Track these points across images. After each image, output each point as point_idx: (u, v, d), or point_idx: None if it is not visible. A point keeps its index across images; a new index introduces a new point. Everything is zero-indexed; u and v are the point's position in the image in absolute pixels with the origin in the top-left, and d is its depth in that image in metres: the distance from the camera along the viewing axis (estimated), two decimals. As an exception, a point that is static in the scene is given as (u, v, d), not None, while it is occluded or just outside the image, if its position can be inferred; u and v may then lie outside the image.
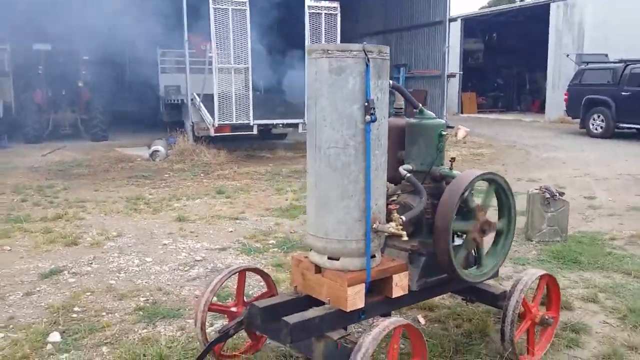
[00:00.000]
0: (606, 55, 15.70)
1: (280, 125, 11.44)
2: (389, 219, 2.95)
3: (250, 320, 3.09)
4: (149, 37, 11.08)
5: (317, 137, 2.88)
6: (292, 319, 2.81)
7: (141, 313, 3.88)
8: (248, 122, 10.55)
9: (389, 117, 3.46)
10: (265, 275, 3.55)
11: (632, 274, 4.66)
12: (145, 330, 3.66)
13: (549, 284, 3.51)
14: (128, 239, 5.62)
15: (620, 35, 16.46)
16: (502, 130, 15.98)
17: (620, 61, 14.27)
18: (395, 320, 2.83)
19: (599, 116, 14.32)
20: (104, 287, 4.33)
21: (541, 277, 3.45)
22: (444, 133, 3.38)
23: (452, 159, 3.52)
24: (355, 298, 2.89)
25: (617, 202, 7.34)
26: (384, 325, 2.72)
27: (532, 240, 5.71)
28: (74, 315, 3.84)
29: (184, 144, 10.95)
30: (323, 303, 2.99)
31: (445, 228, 3.04)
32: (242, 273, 3.43)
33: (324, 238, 2.93)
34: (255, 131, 10.88)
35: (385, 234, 2.93)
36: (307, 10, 10.34)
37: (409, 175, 3.28)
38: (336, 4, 10.64)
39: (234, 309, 3.34)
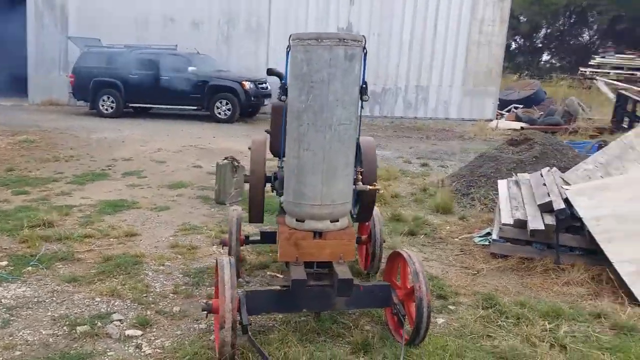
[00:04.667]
0: (99, 40, 16.65)
1: None
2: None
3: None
4: None
5: (328, 116, 3.24)
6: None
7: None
8: None
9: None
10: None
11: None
12: None
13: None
14: None
15: (107, 19, 17.58)
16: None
17: (125, 47, 15.62)
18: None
19: (109, 97, 15.32)
20: None
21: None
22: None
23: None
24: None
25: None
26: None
27: (225, 203, 6.65)
28: None
29: None
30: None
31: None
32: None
33: (331, 204, 3.36)
34: None
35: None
36: None
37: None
38: None
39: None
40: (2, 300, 3.84)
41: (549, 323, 3.64)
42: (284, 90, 3.46)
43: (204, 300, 3.67)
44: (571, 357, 3.23)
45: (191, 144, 11.19)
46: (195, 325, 3.61)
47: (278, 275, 4.48)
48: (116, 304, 3.86)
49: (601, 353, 3.28)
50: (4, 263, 4.50)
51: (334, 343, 3.37)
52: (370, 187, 3.65)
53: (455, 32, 16.60)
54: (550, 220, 4.72)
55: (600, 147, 7.41)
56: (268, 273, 4.55)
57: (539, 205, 4.91)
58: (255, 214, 3.95)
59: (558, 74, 35.25)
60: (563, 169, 7.16)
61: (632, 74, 22.58)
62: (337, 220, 3.41)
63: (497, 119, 15.78)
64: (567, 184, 5.12)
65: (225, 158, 6.83)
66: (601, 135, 13.20)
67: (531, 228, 4.59)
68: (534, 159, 7.23)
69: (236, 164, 6.74)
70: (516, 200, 5.31)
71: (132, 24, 17.81)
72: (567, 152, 7.59)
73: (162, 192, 7.17)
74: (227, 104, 15.03)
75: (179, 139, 11.84)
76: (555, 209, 4.72)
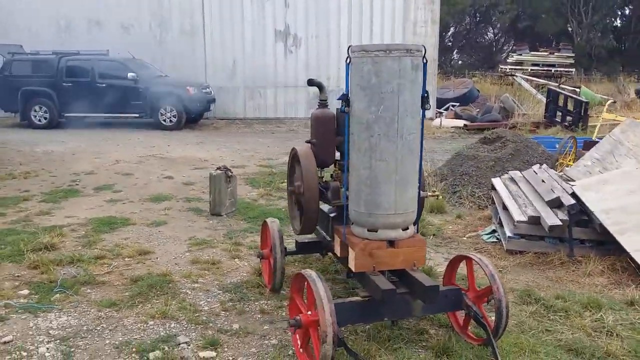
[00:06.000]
0: (21, 46, 15.61)
1: None
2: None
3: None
4: None
5: (399, 126, 3.32)
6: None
7: None
8: None
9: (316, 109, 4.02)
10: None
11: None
12: None
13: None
14: None
15: (26, 24, 16.51)
16: None
17: (53, 53, 14.72)
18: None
19: (41, 107, 14.40)
20: None
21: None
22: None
23: None
24: (424, 254, 3.57)
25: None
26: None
27: (221, 215, 6.52)
28: None
29: None
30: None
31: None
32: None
33: (404, 213, 3.44)
34: None
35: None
36: None
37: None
38: None
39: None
40: (50, 332, 3.59)
41: (593, 314, 3.89)
42: (346, 101, 3.46)
43: (289, 317, 3.56)
44: (630, 345, 3.48)
45: (148, 154, 10.81)
46: (266, 342, 3.55)
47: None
48: (172, 325, 3.72)
49: (652, 336, 3.56)
50: (26, 292, 4.20)
51: (412, 349, 3.44)
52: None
53: (390, 33, 17.08)
54: (562, 215, 5.03)
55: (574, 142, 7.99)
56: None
57: (548, 202, 5.22)
58: (310, 225, 3.94)
59: (468, 71, 37.21)
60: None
61: (548, 70, 24.22)
62: (408, 228, 3.49)
63: (437, 117, 16.39)
64: (570, 179, 5.48)
65: (218, 168, 6.68)
66: (538, 130, 14.11)
67: (550, 224, 4.87)
68: (510, 156, 7.63)
69: (230, 174, 6.60)
70: (521, 197, 5.60)
71: (53, 28, 16.87)
72: (537, 148, 8.08)
73: (148, 207, 6.90)
74: (171, 110, 14.59)
75: (132, 149, 11.40)
76: (565, 204, 5.03)
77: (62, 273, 4.56)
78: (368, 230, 3.45)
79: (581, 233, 5.09)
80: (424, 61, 3.40)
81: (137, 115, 14.85)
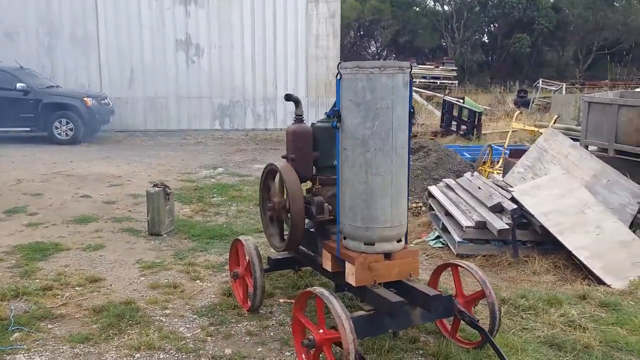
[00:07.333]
0: None
1: None
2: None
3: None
4: None
5: (393, 141, 3.42)
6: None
7: None
8: None
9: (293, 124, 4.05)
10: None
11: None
12: None
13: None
14: None
15: None
16: None
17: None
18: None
19: None
20: None
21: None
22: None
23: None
24: (416, 264, 3.69)
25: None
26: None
27: (160, 234, 6.23)
28: None
29: None
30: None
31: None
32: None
33: (399, 225, 3.55)
34: None
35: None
36: None
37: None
38: None
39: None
40: (27, 377, 3.23)
41: (557, 309, 4.23)
42: (338, 116, 3.49)
43: (308, 337, 3.40)
44: (598, 335, 3.83)
45: (52, 171, 10.01)
46: (268, 364, 3.46)
47: (292, 301, 4.43)
48: (161, 357, 3.50)
49: (614, 328, 3.94)
50: (-25, 333, 3.73)
51: (414, 358, 3.52)
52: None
53: (294, 46, 17.23)
54: (505, 219, 5.41)
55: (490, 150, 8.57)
56: (280, 300, 4.46)
57: (490, 207, 5.58)
58: (296, 240, 3.91)
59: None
60: (458, 172, 8.09)
61: (434, 82, 25.77)
62: (401, 240, 3.58)
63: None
64: (509, 185, 5.90)
65: (155, 185, 6.37)
66: (436, 139, 14.94)
67: (498, 228, 5.22)
68: (435, 165, 8.05)
69: (169, 190, 6.32)
70: (462, 204, 5.93)
71: None
72: (455, 156, 8.59)
73: (75, 229, 6.40)
74: (67, 123, 13.63)
75: (31, 166, 10.49)
76: (508, 209, 5.42)
77: (11, 308, 4.10)
78: (365, 244, 3.49)
79: (522, 235, 5.50)
80: (411, 78, 3.53)
81: (27, 129, 13.68)
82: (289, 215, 3.97)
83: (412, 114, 3.58)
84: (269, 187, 4.29)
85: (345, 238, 3.58)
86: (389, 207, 3.44)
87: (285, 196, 4.02)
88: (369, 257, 3.45)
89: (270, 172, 4.21)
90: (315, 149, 4.08)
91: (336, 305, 3.07)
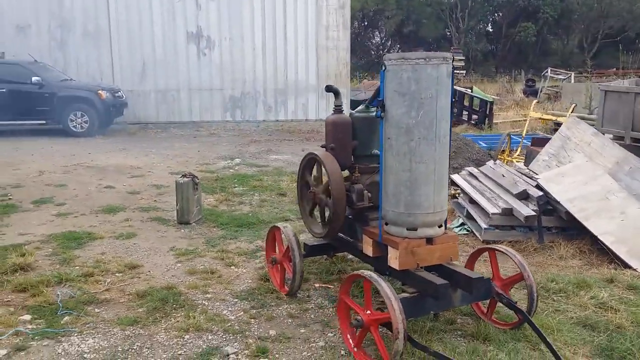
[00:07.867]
0: None
1: None
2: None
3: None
4: None
5: (436, 130, 3.53)
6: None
7: None
8: None
9: (332, 115, 4.15)
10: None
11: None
12: None
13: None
14: None
15: None
16: None
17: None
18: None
19: None
20: None
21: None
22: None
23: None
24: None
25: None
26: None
27: (190, 223, 6.35)
28: None
29: None
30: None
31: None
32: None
33: (440, 211, 3.66)
34: None
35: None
36: None
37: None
38: None
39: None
40: (85, 356, 3.36)
41: (587, 292, 4.34)
42: (382, 106, 3.59)
43: (355, 317, 3.46)
44: (630, 316, 3.94)
45: (72, 163, 10.15)
46: (313, 344, 3.58)
47: (327, 285, 4.55)
48: (210, 337, 3.62)
49: (642, 308, 4.06)
50: (27, 317, 3.87)
51: (455, 338, 3.64)
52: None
53: (304, 37, 17.27)
54: (532, 206, 5.51)
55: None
56: (316, 285, 4.58)
57: (516, 195, 5.68)
58: (336, 228, 4.02)
59: (359, 73, 38.66)
60: (477, 161, 8.18)
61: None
62: (442, 225, 3.69)
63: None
64: (535, 173, 5.99)
65: (184, 175, 6.48)
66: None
67: (525, 214, 5.32)
68: (454, 154, 8.13)
69: (197, 181, 6.44)
70: (487, 191, 6.03)
71: None
72: (473, 145, 8.68)
73: (104, 219, 6.53)
74: (82, 116, 13.74)
75: (50, 158, 10.62)
76: (534, 196, 5.52)
77: (57, 294, 4.23)
78: (407, 229, 3.60)
79: (548, 221, 5.60)
80: (453, 69, 3.63)
81: (43, 122, 13.80)
82: (329, 202, 4.07)
83: (452, 104, 3.68)
84: (308, 175, 4.39)
85: (387, 224, 3.69)
86: (432, 194, 3.55)
87: (325, 184, 4.12)
88: (412, 242, 3.56)
89: (310, 160, 4.32)
90: (354, 138, 4.18)
91: (385, 287, 3.18)
